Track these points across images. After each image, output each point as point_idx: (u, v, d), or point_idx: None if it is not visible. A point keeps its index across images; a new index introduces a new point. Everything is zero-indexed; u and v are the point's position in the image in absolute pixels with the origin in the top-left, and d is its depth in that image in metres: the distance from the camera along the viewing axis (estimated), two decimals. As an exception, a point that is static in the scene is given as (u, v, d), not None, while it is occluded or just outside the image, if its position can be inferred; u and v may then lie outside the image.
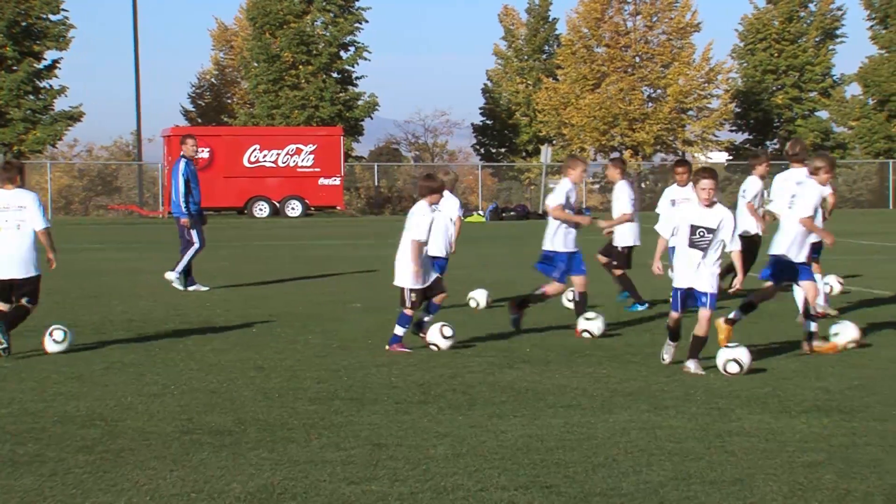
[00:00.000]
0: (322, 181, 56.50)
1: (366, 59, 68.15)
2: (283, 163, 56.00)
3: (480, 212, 56.14)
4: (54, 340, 12.72)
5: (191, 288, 19.49)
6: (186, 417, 9.40)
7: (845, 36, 72.90)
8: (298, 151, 56.41)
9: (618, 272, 17.06)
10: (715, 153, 74.24)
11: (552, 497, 7.15)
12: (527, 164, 72.61)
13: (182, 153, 20.18)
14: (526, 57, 74.85)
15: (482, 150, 75.38)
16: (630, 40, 67.78)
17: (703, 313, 11.60)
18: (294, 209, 55.59)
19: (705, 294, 11.57)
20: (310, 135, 58.56)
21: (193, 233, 19.76)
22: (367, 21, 67.87)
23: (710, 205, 11.66)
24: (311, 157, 56.48)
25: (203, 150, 55.12)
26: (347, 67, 68.02)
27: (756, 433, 8.76)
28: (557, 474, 7.63)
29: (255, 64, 66.92)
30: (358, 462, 7.95)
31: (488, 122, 75.01)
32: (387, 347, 12.89)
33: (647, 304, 16.56)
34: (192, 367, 11.88)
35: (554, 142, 69.42)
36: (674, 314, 11.81)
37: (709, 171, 11.89)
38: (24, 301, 12.75)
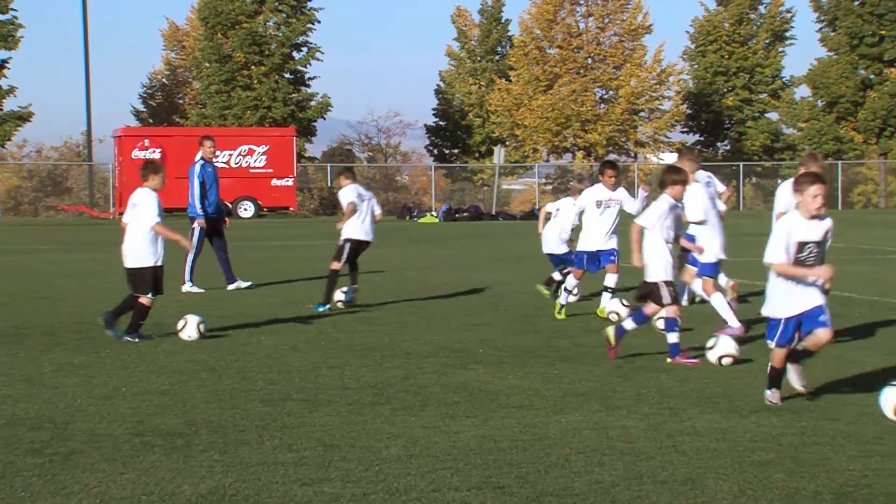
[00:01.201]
0: (275, 182, 56.36)
1: (318, 59, 68.11)
2: (236, 164, 55.78)
3: (434, 213, 56.17)
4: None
5: (231, 287, 19.40)
6: (137, 420, 9.33)
7: (795, 38, 73.72)
8: (251, 152, 56.24)
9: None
10: (667, 154, 74.73)
11: (505, 497, 7.16)
12: (480, 164, 72.73)
13: (200, 155, 19.95)
14: (479, 58, 75.01)
15: (435, 151, 75.47)
16: (582, 42, 68.10)
17: (825, 335, 9.88)
18: (246, 210, 55.39)
19: (822, 311, 9.88)
20: (262, 135, 58.38)
21: (195, 237, 19.46)
22: (319, 22, 67.90)
23: (818, 216, 9.93)
24: (264, 157, 56.31)
25: (155, 151, 54.82)
26: (300, 68, 67.91)
27: (707, 433, 8.82)
28: (510, 475, 7.64)
29: (207, 64, 66.65)
30: (310, 463, 7.93)
31: (441, 123, 75.10)
32: (669, 360, 12.02)
33: None
34: (142, 368, 11.80)
35: (507, 143, 69.63)
36: (781, 351, 9.96)
37: (818, 177, 10.05)
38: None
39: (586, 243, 15.97)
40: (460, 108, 74.06)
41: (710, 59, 71.97)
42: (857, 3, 69.38)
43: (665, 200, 12.47)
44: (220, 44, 65.71)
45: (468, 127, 73.75)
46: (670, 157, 75.45)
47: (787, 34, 73.17)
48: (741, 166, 67.08)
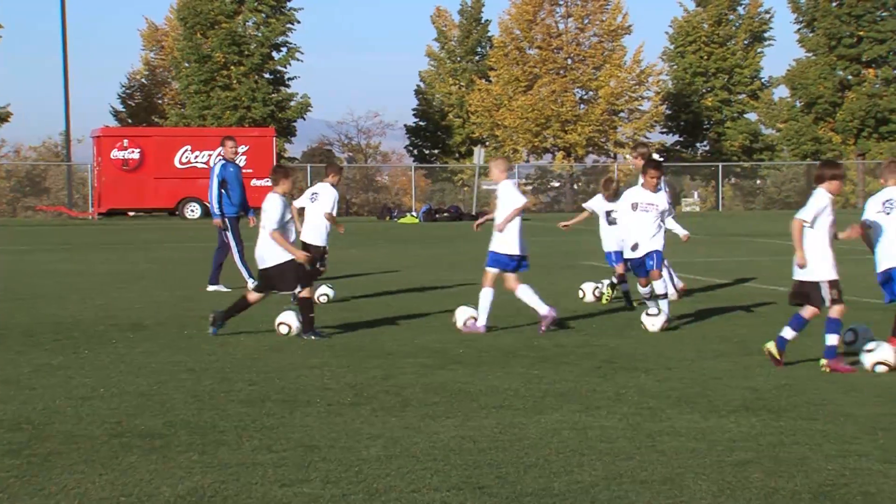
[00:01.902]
0: (254, 182, 56.14)
1: (298, 59, 68.00)
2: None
3: (414, 213, 56.17)
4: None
5: (210, 288, 19.26)
6: (116, 421, 9.31)
7: (773, 39, 73.91)
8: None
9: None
10: (646, 155, 74.78)
11: (484, 498, 7.16)
12: (460, 165, 72.76)
13: (221, 155, 19.92)
14: (458, 58, 75.04)
15: (415, 152, 75.45)
16: (562, 42, 68.18)
17: None
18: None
19: None
20: (242, 136, 58.17)
21: (229, 235, 19.44)
22: (299, 22, 67.73)
23: None
24: (244, 158, 56.09)
25: (134, 151, 54.64)
26: (279, 68, 67.79)
27: (686, 433, 8.84)
28: (490, 475, 7.65)
29: (186, 64, 66.48)
30: (290, 464, 7.92)
31: (421, 123, 75.09)
32: (823, 363, 11.70)
33: None
34: (121, 369, 11.77)
35: (487, 143, 69.65)
36: None
37: None
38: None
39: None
40: (440, 109, 74.07)
41: (689, 59, 72.14)
42: (835, 4, 69.66)
43: (824, 195, 12.01)
44: (199, 44, 65.55)
45: (448, 127, 73.77)
46: (650, 158, 75.60)
47: (766, 35, 73.39)
48: (720, 167, 67.25)
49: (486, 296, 14.53)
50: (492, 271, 14.67)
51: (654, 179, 15.05)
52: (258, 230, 14.51)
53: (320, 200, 17.38)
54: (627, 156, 70.67)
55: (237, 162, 20.16)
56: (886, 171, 13.23)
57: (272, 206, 14.29)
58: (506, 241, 14.61)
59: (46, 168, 69.10)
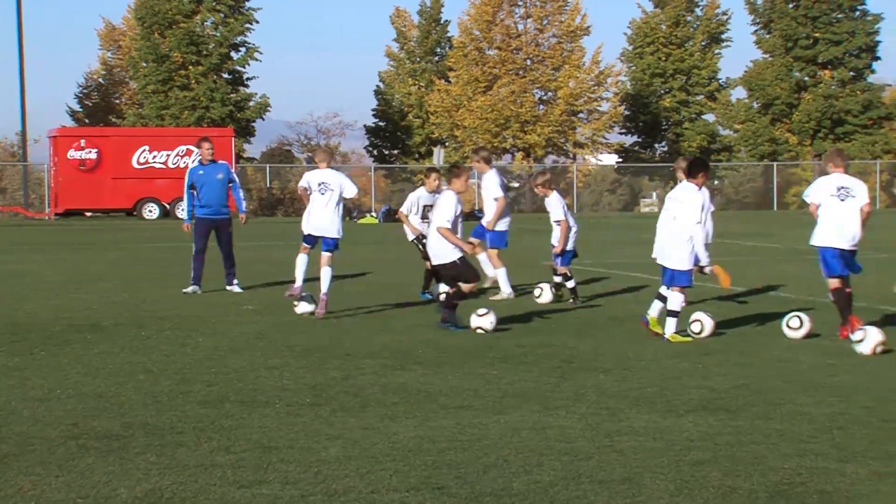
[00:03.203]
0: (213, 182, 55.98)
1: (257, 59, 67.80)
2: (174, 164, 55.36)
3: (373, 213, 56.10)
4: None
5: (187, 290, 19.02)
6: (72, 422, 9.24)
7: (731, 40, 74.31)
8: (189, 153, 55.82)
9: None
10: (605, 155, 75.20)
11: (444, 498, 7.16)
12: (420, 165, 72.74)
13: (198, 157, 19.77)
14: (418, 59, 75.03)
15: (375, 152, 75.39)
16: (521, 43, 68.34)
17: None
18: (184, 211, 54.99)
19: None
20: (200, 136, 57.96)
21: (196, 237, 19.33)
22: (257, 21, 67.51)
23: None
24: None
25: (91, 151, 54.29)
26: (238, 68, 67.55)
27: (644, 432, 8.87)
28: (449, 475, 7.65)
29: (144, 64, 66.13)
30: (248, 465, 7.89)
31: (381, 123, 75.04)
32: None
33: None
34: (78, 370, 11.68)
35: (447, 143, 69.71)
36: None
37: None
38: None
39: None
40: (400, 109, 74.04)
41: (647, 60, 72.46)
42: (791, 5, 70.19)
43: None
44: (156, 43, 65.21)
45: (408, 128, 73.75)
46: (609, 158, 76.06)
47: (724, 36, 73.83)
48: (678, 167, 67.55)
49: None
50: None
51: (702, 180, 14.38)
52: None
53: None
54: (587, 156, 71.01)
55: (215, 162, 19.85)
56: (836, 158, 14.12)
57: (446, 203, 14.74)
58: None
59: (2, 168, 68.53)
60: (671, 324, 13.77)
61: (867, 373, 11.56)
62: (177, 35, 65.01)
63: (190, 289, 19.10)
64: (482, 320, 14.35)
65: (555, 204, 17.71)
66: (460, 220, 14.93)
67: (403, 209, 18.21)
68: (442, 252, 14.81)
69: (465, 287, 14.73)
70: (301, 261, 16.51)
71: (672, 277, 13.95)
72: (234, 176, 19.75)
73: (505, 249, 18.61)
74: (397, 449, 8.36)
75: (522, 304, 17.42)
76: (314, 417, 9.43)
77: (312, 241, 16.56)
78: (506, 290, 18.16)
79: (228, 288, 19.29)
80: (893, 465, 7.92)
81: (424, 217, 17.76)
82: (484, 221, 18.49)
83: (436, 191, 17.71)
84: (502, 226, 18.51)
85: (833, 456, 8.17)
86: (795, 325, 13.66)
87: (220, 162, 19.98)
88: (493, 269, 18.48)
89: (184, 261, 26.16)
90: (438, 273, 15.48)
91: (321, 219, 16.35)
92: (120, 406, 9.90)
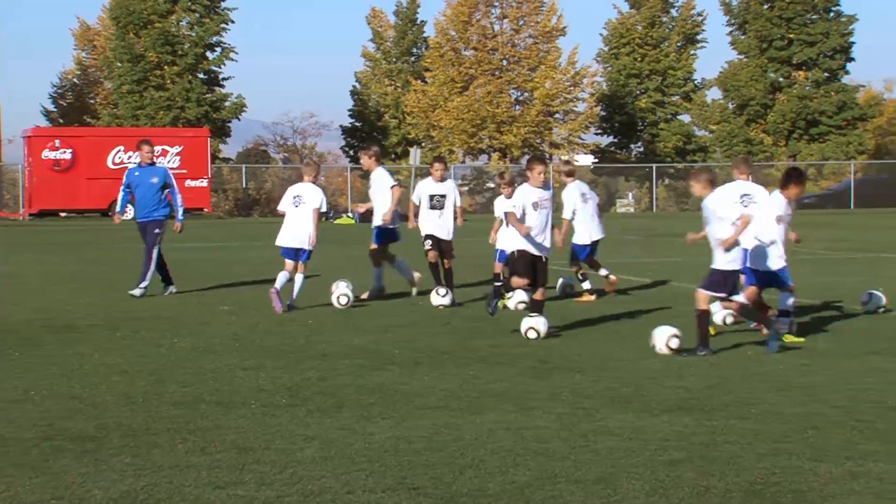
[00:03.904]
0: (189, 183, 55.84)
1: (233, 59, 67.64)
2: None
3: (350, 214, 56.06)
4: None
5: (168, 291, 18.92)
6: (47, 423, 9.20)
7: (706, 41, 74.59)
8: (164, 153, 55.70)
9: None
10: (581, 156, 75.29)
11: (419, 499, 7.17)
12: (396, 166, 72.71)
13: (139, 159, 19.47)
14: (394, 59, 75.00)
15: (351, 153, 75.29)
16: (497, 43, 68.40)
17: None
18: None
19: None
20: (176, 136, 57.85)
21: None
22: (233, 21, 67.37)
23: None
24: (178, 158, 55.80)
25: (65, 152, 54.07)
26: (214, 68, 67.38)
27: (620, 432, 8.90)
28: (425, 476, 7.65)
29: (119, 64, 65.90)
30: (224, 466, 7.88)
31: (357, 124, 74.98)
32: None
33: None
34: (53, 371, 11.63)
35: (423, 144, 69.69)
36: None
37: None
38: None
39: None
40: (376, 110, 73.99)
41: (623, 61, 72.62)
42: (766, 6, 70.46)
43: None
44: (132, 43, 64.99)
45: (384, 128, 73.71)
46: (585, 159, 76.17)
47: (699, 37, 74.08)
48: (654, 168, 67.82)
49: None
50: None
51: (797, 190, 14.27)
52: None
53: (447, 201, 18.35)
54: (563, 157, 71.08)
55: (153, 165, 19.28)
56: (742, 165, 14.84)
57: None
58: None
59: (-24, 168, 68.15)
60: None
61: (841, 373, 11.62)
62: (152, 35, 64.80)
63: (167, 291, 19.00)
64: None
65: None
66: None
67: (413, 199, 18.52)
68: (508, 240, 14.60)
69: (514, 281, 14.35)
70: (283, 277, 16.92)
71: (774, 279, 14.05)
72: (173, 181, 19.24)
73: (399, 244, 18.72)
74: (373, 449, 8.36)
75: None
76: (290, 418, 9.42)
77: (291, 253, 17.01)
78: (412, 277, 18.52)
79: (129, 291, 18.64)
80: (867, 464, 7.96)
81: (433, 206, 18.08)
82: (380, 218, 18.23)
83: (441, 181, 18.21)
84: (393, 222, 18.35)
85: (807, 455, 8.20)
86: (675, 346, 12.73)
87: (158, 166, 19.51)
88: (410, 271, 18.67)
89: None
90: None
91: (298, 230, 17.17)
92: (95, 407, 9.87)
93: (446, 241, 18.14)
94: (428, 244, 18.05)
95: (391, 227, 18.31)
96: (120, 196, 19.66)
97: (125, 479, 7.57)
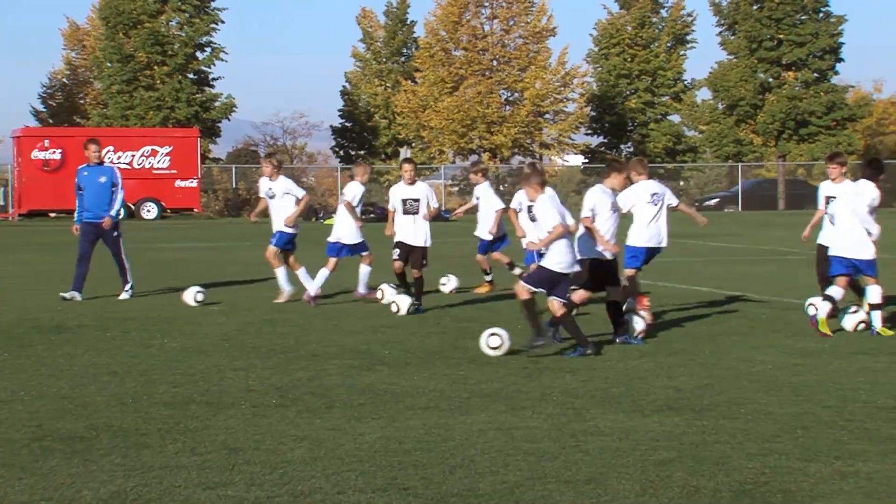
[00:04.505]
0: (178, 183, 55.83)
1: (223, 59, 67.57)
2: (139, 164, 55.16)
3: (339, 214, 56.01)
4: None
5: (65, 294, 18.29)
6: (36, 424, 9.19)
7: (696, 41, 74.66)
8: (154, 153, 55.67)
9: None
10: (571, 156, 75.35)
11: (409, 499, 7.16)
12: (386, 166, 72.69)
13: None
14: (384, 59, 74.98)
15: (341, 153, 75.27)
16: (487, 44, 68.41)
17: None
18: (150, 211, 54.79)
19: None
20: (166, 136, 57.78)
21: (81, 242, 18.69)
22: (223, 21, 67.29)
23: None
24: (167, 158, 55.75)
25: (55, 152, 53.97)
26: (204, 68, 67.30)
27: (610, 432, 8.90)
28: (415, 476, 7.65)
29: (109, 64, 65.79)
30: (214, 467, 7.87)
31: (347, 124, 74.94)
32: None
33: None
34: (42, 372, 11.61)
35: (413, 144, 69.70)
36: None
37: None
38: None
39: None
40: (366, 110, 73.95)
41: (613, 61, 72.68)
42: (755, 7, 70.54)
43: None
44: (121, 43, 64.89)
45: (374, 128, 73.68)
46: (575, 159, 76.24)
47: (689, 37, 74.16)
48: (644, 168, 67.84)
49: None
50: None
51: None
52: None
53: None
54: (553, 157, 71.12)
55: (101, 165, 18.86)
56: (639, 166, 15.52)
57: (594, 198, 14.13)
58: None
59: (-35, 169, 67.99)
60: (877, 317, 14.23)
61: (830, 373, 11.64)
62: (142, 35, 64.72)
63: (68, 294, 18.26)
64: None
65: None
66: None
67: (389, 207, 17.81)
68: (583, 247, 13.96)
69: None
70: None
71: (863, 268, 14.36)
72: (119, 180, 18.78)
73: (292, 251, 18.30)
74: (363, 450, 8.35)
75: (489, 305, 17.45)
76: (280, 419, 9.41)
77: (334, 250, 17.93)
78: (286, 288, 17.95)
79: (119, 297, 18.40)
80: (856, 464, 7.98)
81: (406, 212, 17.20)
82: (286, 224, 17.97)
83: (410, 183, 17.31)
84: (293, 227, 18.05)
85: (797, 455, 8.22)
86: (495, 344, 12.64)
87: (106, 165, 19.10)
88: (284, 275, 18.10)
89: (149, 262, 26.06)
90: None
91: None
92: (84, 408, 9.85)
93: (420, 247, 17.06)
94: (395, 254, 17.16)
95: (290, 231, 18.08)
96: (77, 202, 19.03)
97: (115, 479, 7.56)
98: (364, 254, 17.95)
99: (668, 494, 7.26)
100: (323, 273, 17.59)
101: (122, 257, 18.81)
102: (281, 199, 18.14)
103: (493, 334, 12.65)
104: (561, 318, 12.78)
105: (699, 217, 16.54)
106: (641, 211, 15.13)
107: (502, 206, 19.28)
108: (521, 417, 9.47)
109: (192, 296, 17.41)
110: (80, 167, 19.18)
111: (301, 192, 18.36)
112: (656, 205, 15.20)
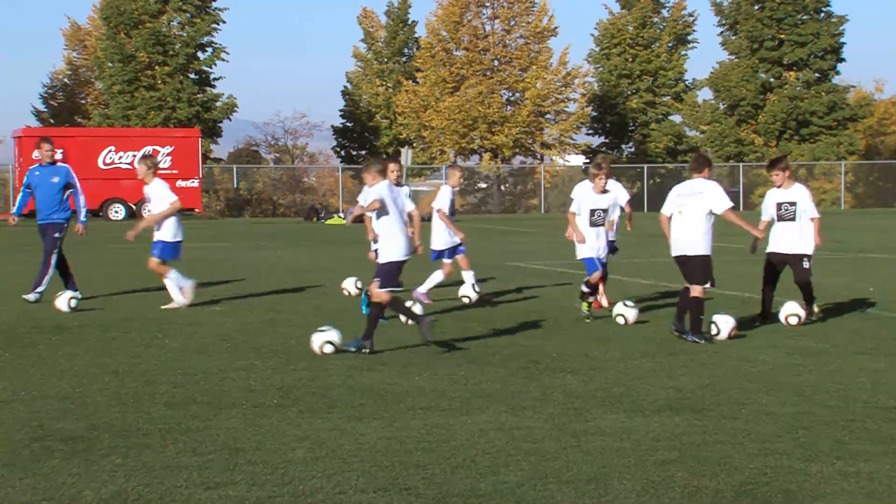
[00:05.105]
0: (180, 183, 55.76)
1: (224, 59, 67.58)
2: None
3: (341, 214, 56.05)
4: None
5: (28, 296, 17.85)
6: (37, 424, 9.19)
7: (697, 41, 74.66)
8: (155, 153, 55.64)
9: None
10: (572, 156, 75.35)
11: (411, 499, 7.16)
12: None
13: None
14: (385, 59, 74.98)
15: (342, 153, 75.27)
16: (488, 44, 68.42)
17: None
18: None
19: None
20: (167, 136, 57.78)
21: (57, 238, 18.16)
22: (224, 22, 67.32)
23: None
24: (169, 158, 55.75)
25: (56, 152, 53.97)
26: (205, 68, 67.31)
27: (611, 433, 8.90)
28: (416, 476, 7.65)
29: (110, 64, 65.81)
30: (215, 467, 7.87)
31: (348, 124, 74.95)
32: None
33: None
34: (43, 372, 11.62)
35: (414, 144, 69.70)
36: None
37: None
38: None
39: None
40: (367, 110, 73.95)
41: (614, 61, 72.68)
42: (757, 7, 70.55)
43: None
44: (122, 43, 64.91)
45: (375, 128, 73.69)
46: (576, 159, 76.23)
47: (690, 38, 74.15)
48: (645, 168, 67.89)
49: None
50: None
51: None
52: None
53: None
54: (554, 157, 71.10)
55: (54, 165, 18.39)
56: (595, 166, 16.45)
57: (719, 188, 14.24)
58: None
59: (-33, 169, 68.03)
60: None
61: (831, 373, 11.64)
62: (143, 35, 64.73)
63: (31, 296, 17.80)
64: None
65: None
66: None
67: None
68: (696, 243, 14.09)
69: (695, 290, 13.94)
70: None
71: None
72: (75, 181, 18.28)
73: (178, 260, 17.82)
74: (364, 450, 8.35)
75: (489, 307, 17.44)
76: (281, 419, 9.41)
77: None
78: (178, 299, 17.19)
79: (24, 296, 17.89)
80: (858, 464, 7.98)
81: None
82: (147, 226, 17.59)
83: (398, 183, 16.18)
84: (172, 236, 17.64)
85: (798, 455, 8.22)
86: (329, 350, 12.66)
87: (60, 165, 18.42)
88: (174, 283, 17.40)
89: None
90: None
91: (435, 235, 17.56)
92: (85, 408, 9.85)
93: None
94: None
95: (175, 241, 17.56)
96: (20, 196, 18.58)
97: (116, 479, 7.56)
98: (459, 256, 17.42)
99: (669, 495, 7.26)
100: (437, 276, 17.33)
101: (50, 258, 18.00)
102: (157, 205, 17.48)
103: (328, 342, 12.66)
104: (380, 306, 12.91)
105: (630, 223, 18.09)
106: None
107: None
108: (523, 417, 9.47)
109: (65, 302, 16.57)
110: (32, 167, 18.46)
111: (172, 198, 17.46)
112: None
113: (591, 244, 15.61)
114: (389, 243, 12.98)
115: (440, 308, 16.99)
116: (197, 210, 57.03)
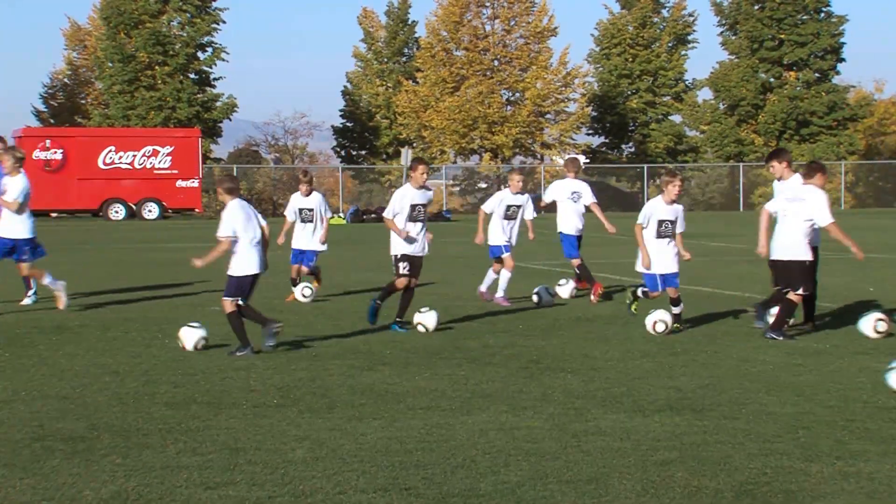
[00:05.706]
0: (180, 183, 55.81)
1: (224, 59, 67.61)
2: (140, 164, 55.17)
3: (341, 214, 56.07)
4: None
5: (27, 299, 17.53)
6: (37, 424, 9.19)
7: (697, 41, 74.69)
8: (155, 153, 55.65)
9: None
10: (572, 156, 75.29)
11: (411, 499, 7.16)
12: (387, 166, 72.72)
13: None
14: (385, 59, 75.01)
15: (342, 153, 75.30)
16: (488, 44, 68.44)
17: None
18: (151, 211, 54.79)
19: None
20: (167, 136, 57.77)
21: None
22: (224, 22, 67.39)
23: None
24: (169, 158, 55.75)
25: (56, 152, 53.97)
26: (205, 68, 67.34)
27: (611, 432, 8.90)
28: (416, 476, 7.65)
29: (110, 64, 65.85)
30: (215, 467, 7.87)
31: (348, 124, 74.97)
32: None
33: None
34: (43, 372, 11.62)
35: (414, 144, 69.71)
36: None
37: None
38: None
39: None
40: (367, 110, 73.97)
41: (614, 61, 72.70)
42: (757, 7, 70.58)
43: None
44: (122, 43, 64.94)
45: (375, 128, 73.71)
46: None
47: (690, 37, 74.19)
48: (645, 168, 67.90)
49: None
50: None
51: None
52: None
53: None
54: (554, 157, 71.12)
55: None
56: (571, 165, 18.93)
57: (823, 199, 13.98)
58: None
59: (-34, 168, 68.02)
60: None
61: (831, 373, 11.64)
62: (143, 35, 64.76)
63: (27, 300, 17.48)
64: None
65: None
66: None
67: (387, 214, 15.06)
68: (794, 247, 13.92)
69: (794, 295, 13.84)
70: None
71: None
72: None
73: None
74: (365, 450, 8.35)
75: (489, 306, 17.45)
76: (281, 419, 9.42)
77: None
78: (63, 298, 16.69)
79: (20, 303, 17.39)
80: (858, 464, 7.98)
81: (413, 219, 14.78)
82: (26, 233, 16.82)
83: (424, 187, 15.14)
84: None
85: (798, 455, 8.22)
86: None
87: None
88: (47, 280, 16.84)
89: (149, 262, 26.07)
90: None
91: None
92: (85, 408, 9.85)
93: (423, 257, 15.02)
94: (404, 268, 14.76)
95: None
96: None
97: (116, 479, 7.56)
98: (504, 255, 17.69)
99: (669, 495, 7.26)
100: (504, 275, 17.59)
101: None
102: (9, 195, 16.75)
103: (203, 339, 12.88)
104: (229, 317, 12.78)
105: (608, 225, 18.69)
106: (564, 205, 18.36)
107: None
108: (523, 417, 9.47)
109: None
110: None
111: (15, 194, 16.72)
112: (575, 202, 18.37)
113: (656, 259, 14.79)
114: (240, 258, 12.95)
115: (463, 314, 17.05)
116: (197, 210, 57.01)
